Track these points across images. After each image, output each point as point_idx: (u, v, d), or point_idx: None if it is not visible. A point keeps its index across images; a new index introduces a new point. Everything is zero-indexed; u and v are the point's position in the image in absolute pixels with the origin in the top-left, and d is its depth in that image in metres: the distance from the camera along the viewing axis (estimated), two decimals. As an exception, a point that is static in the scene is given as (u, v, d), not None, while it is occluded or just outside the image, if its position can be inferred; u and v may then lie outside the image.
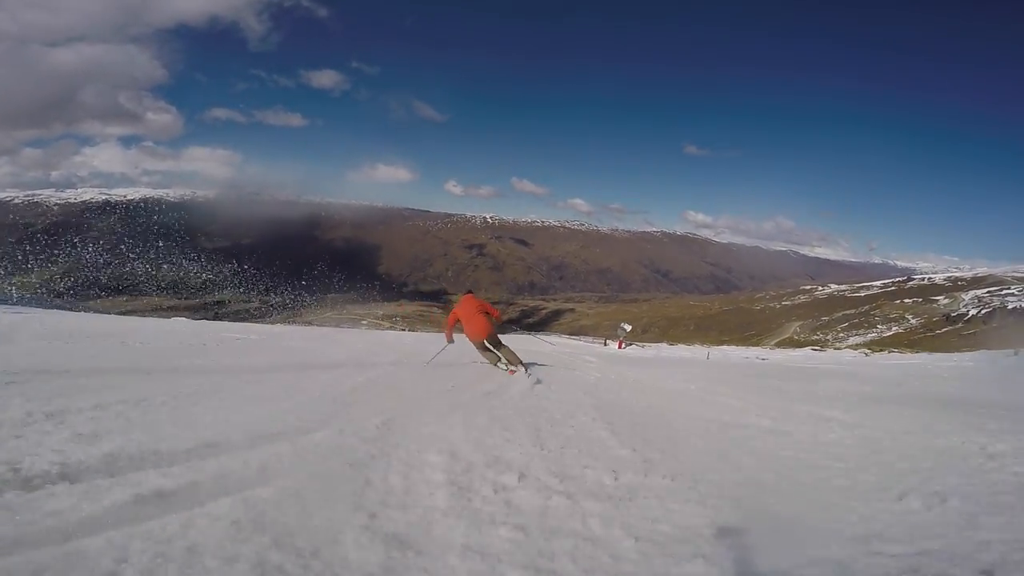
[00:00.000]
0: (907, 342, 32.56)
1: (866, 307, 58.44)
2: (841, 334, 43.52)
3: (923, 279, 73.71)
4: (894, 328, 43.73)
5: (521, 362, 7.03)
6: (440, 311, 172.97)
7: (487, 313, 7.32)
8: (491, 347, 7.16)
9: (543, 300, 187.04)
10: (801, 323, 58.29)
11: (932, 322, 39.95)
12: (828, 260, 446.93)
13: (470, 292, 7.84)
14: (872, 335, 38.95)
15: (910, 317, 48.99)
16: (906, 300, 57.50)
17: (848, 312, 57.42)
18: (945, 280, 69.17)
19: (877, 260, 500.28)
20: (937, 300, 54.12)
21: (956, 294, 54.78)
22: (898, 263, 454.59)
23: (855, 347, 30.67)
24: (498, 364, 7.16)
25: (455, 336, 7.80)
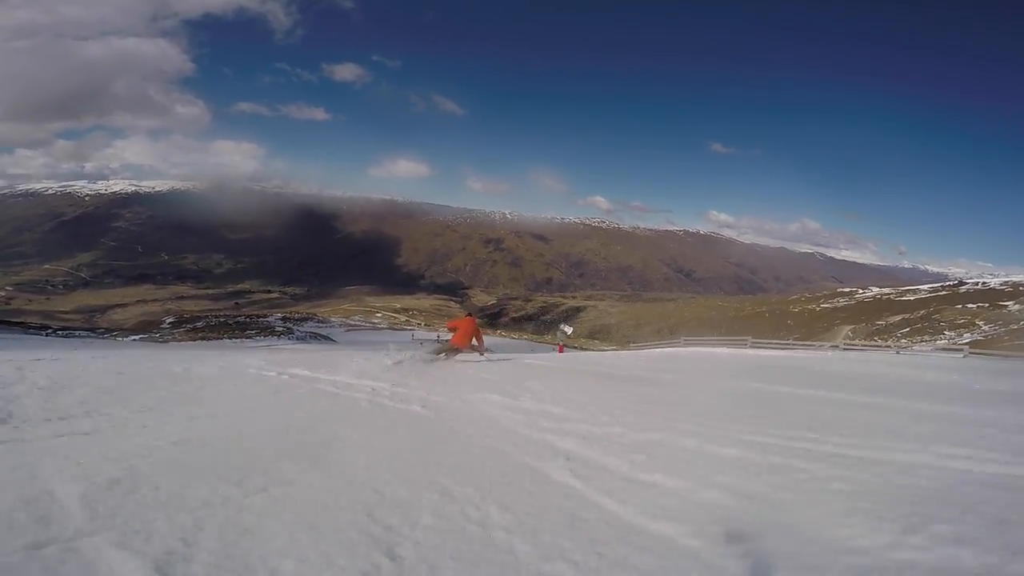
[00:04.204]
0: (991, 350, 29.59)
1: (922, 311, 54.60)
2: (903, 340, 40.27)
3: (977, 283, 69.44)
4: (966, 335, 40.26)
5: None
6: (457, 304, 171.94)
7: (473, 337, 10.31)
8: (455, 352, 10.33)
9: (562, 297, 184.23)
10: (852, 327, 54.94)
11: (1014, 329, 36.54)
12: (856, 263, 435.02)
13: (471, 315, 10.78)
14: (940, 342, 35.66)
15: (981, 323, 45.48)
16: (969, 305, 53.60)
17: (907, 316, 53.67)
18: (1003, 285, 64.84)
19: (907, 264, 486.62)
20: (1007, 306, 50.15)
21: (1027, 299, 51.16)
22: (929, 268, 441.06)
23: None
24: (442, 354, 10.40)
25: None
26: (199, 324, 35.11)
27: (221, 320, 38.73)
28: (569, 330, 24.44)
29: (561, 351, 22.86)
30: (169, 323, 38.58)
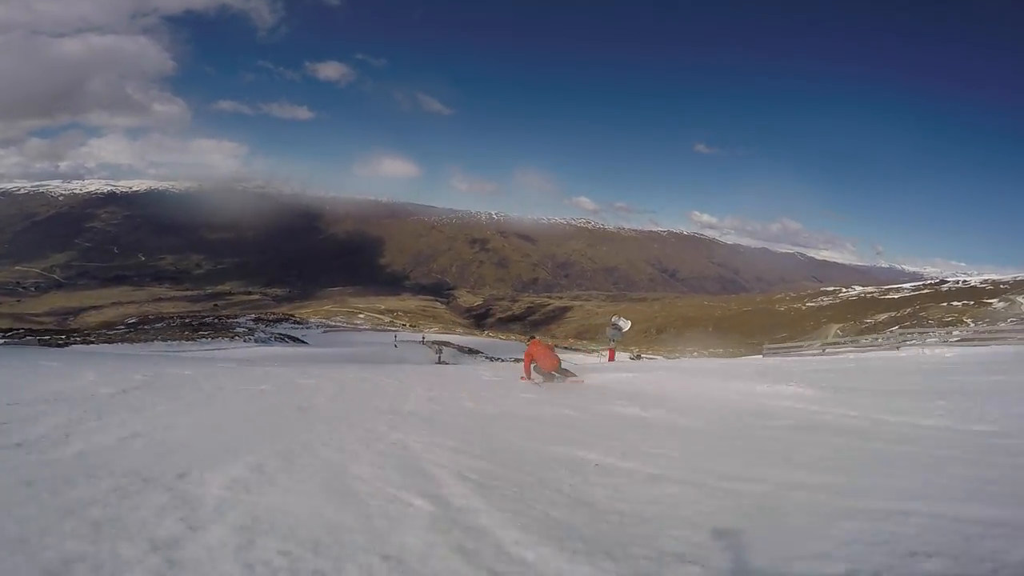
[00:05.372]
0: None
1: (908, 309, 54.93)
2: (892, 339, 39.98)
3: (958, 282, 70.41)
4: (956, 333, 40.16)
5: (574, 374, 9.17)
6: (443, 305, 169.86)
7: (551, 353, 9.00)
8: (551, 376, 8.89)
9: (548, 297, 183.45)
10: (840, 325, 54.77)
11: (1004, 329, 36.43)
12: (835, 263, 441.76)
13: (535, 337, 9.53)
14: (931, 340, 35.42)
15: (969, 321, 45.50)
16: (953, 303, 53.97)
17: (893, 314, 53.89)
18: (983, 283, 65.82)
19: (884, 264, 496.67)
20: (991, 303, 50.57)
21: (1011, 297, 51.46)
22: (905, 267, 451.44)
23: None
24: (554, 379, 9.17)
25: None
26: (158, 325, 33.19)
27: (185, 321, 36.82)
28: (626, 325, 14.68)
29: (612, 358, 17.33)
30: (128, 324, 36.55)
